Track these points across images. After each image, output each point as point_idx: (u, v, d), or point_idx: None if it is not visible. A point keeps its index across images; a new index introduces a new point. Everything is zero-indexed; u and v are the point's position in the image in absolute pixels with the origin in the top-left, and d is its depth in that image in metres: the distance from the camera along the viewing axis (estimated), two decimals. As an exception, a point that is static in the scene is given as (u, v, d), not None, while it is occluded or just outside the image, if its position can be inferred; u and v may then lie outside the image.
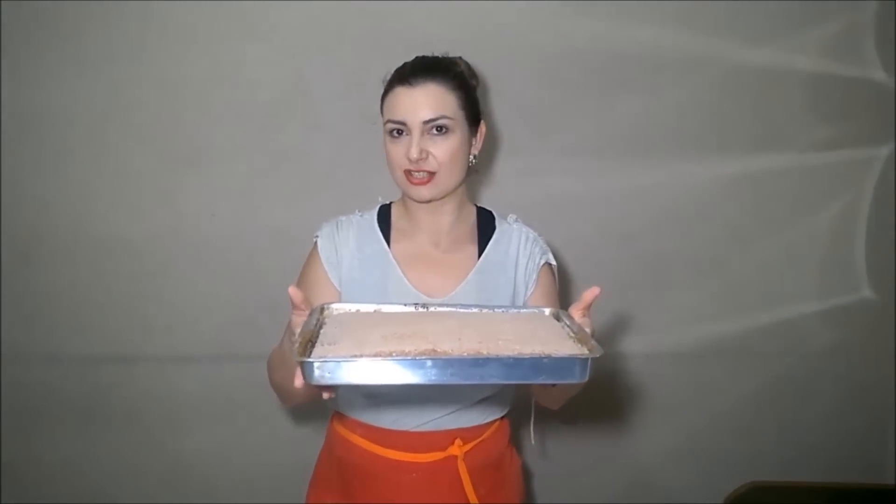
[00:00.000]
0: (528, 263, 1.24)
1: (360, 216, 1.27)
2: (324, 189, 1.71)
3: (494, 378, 0.86)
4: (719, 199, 1.86)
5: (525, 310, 1.10)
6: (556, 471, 1.95)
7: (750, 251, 1.90)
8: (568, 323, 1.00)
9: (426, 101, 1.13)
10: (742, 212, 1.88)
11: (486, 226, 1.27)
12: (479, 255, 1.24)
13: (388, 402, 1.20)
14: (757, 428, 2.00)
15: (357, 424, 1.23)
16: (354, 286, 1.19)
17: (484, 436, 1.26)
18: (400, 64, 1.20)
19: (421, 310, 1.07)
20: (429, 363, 0.84)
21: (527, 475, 1.42)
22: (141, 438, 1.85)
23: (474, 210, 1.29)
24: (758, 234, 1.90)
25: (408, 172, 1.15)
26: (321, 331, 0.96)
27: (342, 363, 0.84)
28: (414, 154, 1.11)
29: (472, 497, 1.23)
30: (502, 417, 1.32)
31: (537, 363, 0.86)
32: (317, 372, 0.83)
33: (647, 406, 1.96)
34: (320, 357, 0.84)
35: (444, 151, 1.14)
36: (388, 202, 1.30)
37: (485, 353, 0.86)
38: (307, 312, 0.97)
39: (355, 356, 0.85)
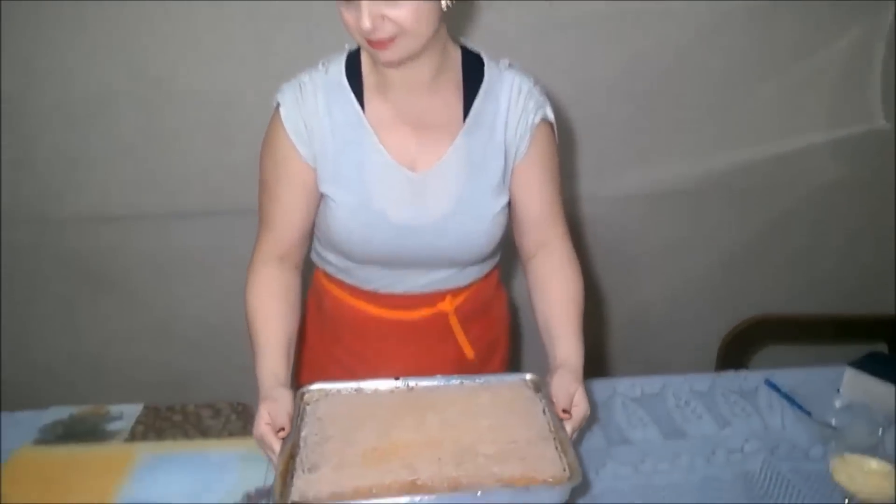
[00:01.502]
0: (518, 122, 1.09)
1: (325, 72, 1.07)
2: (319, 40, 1.45)
3: (474, 506, 0.89)
4: (728, 27, 1.71)
5: (507, 378, 1.08)
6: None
7: (760, 81, 1.79)
8: (546, 406, 1.00)
9: None
10: (753, 39, 1.74)
11: (473, 73, 1.09)
12: (466, 111, 1.08)
13: (373, 270, 1.16)
14: (762, 265, 2.04)
15: (343, 283, 1.20)
16: (328, 164, 1.07)
17: (474, 287, 1.23)
18: None
19: (400, 386, 1.06)
20: (406, 500, 0.85)
21: (513, 310, 1.42)
22: (139, 296, 1.88)
23: (459, 53, 1.10)
24: (769, 62, 1.77)
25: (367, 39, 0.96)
26: (301, 437, 0.95)
27: (323, 508, 0.85)
28: (366, 25, 0.92)
29: (465, 348, 1.23)
30: (497, 265, 1.28)
31: (516, 496, 0.86)
32: None
33: (652, 246, 1.98)
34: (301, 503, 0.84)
35: (404, 14, 0.92)
36: (356, 47, 1.09)
37: (464, 482, 0.87)
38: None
39: (335, 496, 0.85)
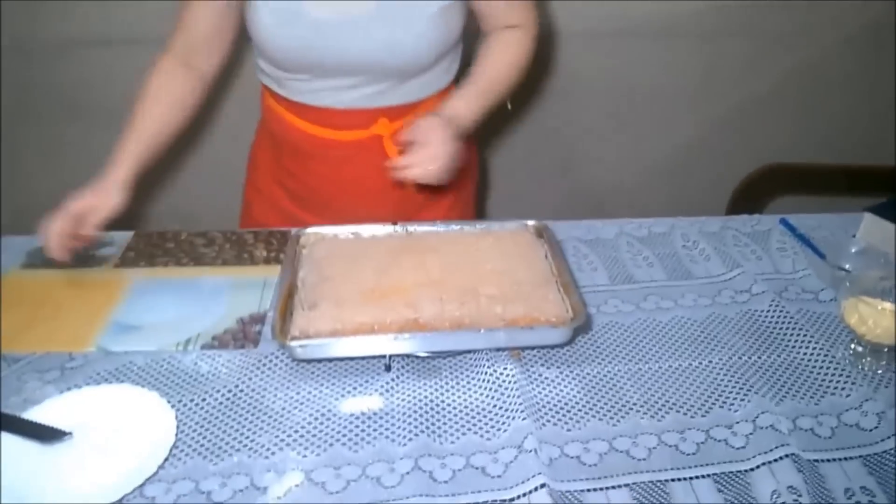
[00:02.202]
0: None
1: None
2: None
3: (476, 346, 0.88)
4: None
5: (508, 224, 1.04)
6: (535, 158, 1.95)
7: None
8: (548, 251, 0.98)
9: None
10: None
11: None
12: None
13: (301, 79, 1.11)
14: (778, 114, 1.96)
15: (279, 97, 1.16)
16: None
17: (416, 111, 1.13)
18: None
19: (398, 230, 1.03)
20: (407, 336, 0.85)
21: (481, 151, 1.37)
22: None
23: None
24: None
25: None
26: (299, 277, 0.94)
27: (324, 345, 0.85)
28: None
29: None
30: (447, 87, 1.17)
31: (519, 336, 0.86)
32: (299, 351, 0.84)
33: (661, 92, 1.90)
34: (302, 341, 0.84)
35: None
36: None
37: (467, 321, 0.86)
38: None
39: (337, 332, 0.85)
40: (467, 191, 1.31)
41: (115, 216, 0.99)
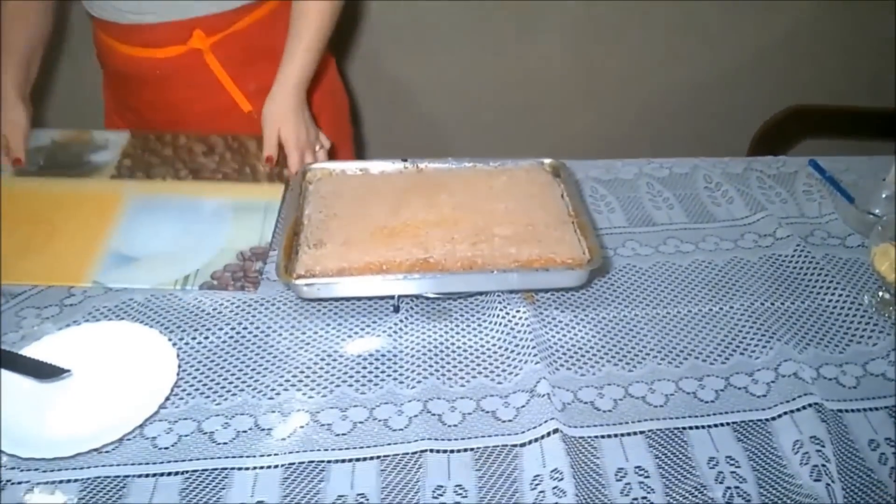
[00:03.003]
0: None
1: None
2: None
3: (488, 287, 0.85)
4: None
5: (523, 162, 0.99)
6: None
7: None
8: (565, 191, 0.93)
9: None
10: None
11: None
12: None
13: None
14: (800, 57, 1.91)
15: (97, 19, 1.10)
16: None
17: (238, 25, 1.07)
18: None
19: (409, 167, 0.98)
20: (417, 276, 0.82)
21: (344, 76, 1.30)
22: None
23: None
24: None
25: None
26: (304, 214, 0.90)
27: (331, 284, 0.81)
28: None
29: (238, 98, 1.11)
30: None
31: (533, 278, 0.82)
32: (305, 290, 0.81)
33: (680, 31, 1.84)
34: (308, 279, 0.80)
35: None
36: None
37: (479, 261, 0.82)
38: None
39: (344, 271, 0.82)
40: (331, 98, 1.25)
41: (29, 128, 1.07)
